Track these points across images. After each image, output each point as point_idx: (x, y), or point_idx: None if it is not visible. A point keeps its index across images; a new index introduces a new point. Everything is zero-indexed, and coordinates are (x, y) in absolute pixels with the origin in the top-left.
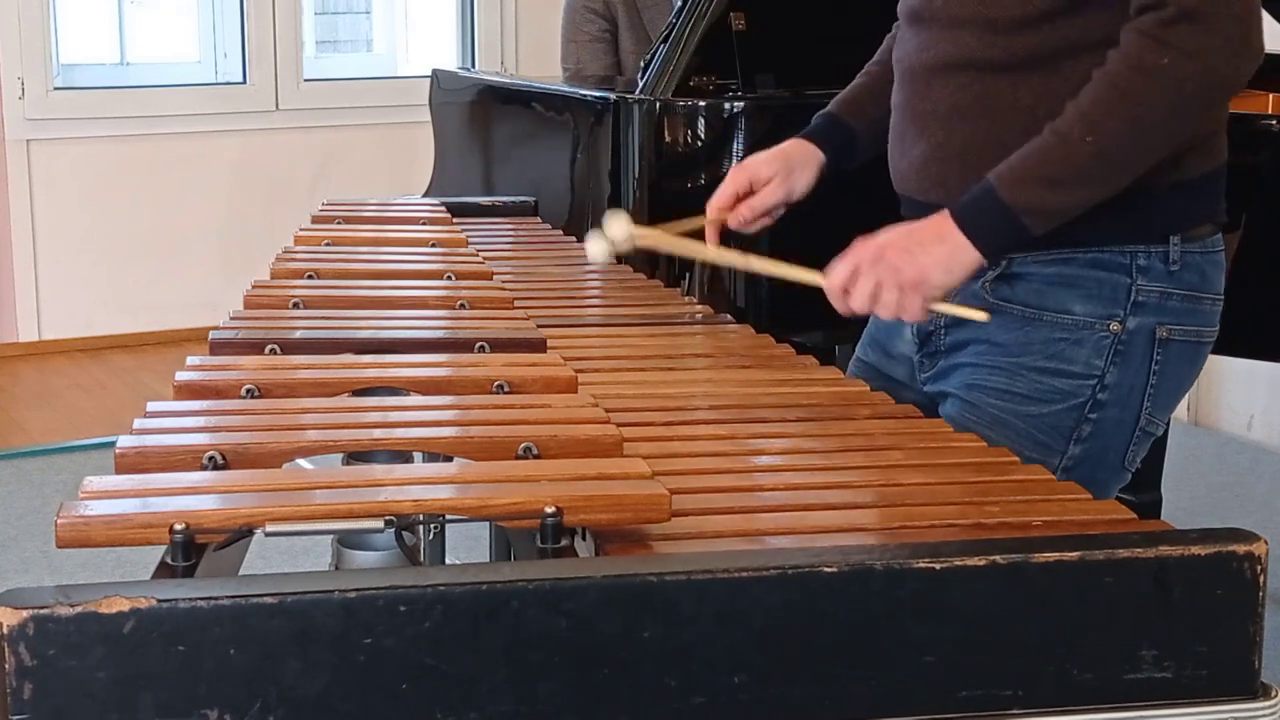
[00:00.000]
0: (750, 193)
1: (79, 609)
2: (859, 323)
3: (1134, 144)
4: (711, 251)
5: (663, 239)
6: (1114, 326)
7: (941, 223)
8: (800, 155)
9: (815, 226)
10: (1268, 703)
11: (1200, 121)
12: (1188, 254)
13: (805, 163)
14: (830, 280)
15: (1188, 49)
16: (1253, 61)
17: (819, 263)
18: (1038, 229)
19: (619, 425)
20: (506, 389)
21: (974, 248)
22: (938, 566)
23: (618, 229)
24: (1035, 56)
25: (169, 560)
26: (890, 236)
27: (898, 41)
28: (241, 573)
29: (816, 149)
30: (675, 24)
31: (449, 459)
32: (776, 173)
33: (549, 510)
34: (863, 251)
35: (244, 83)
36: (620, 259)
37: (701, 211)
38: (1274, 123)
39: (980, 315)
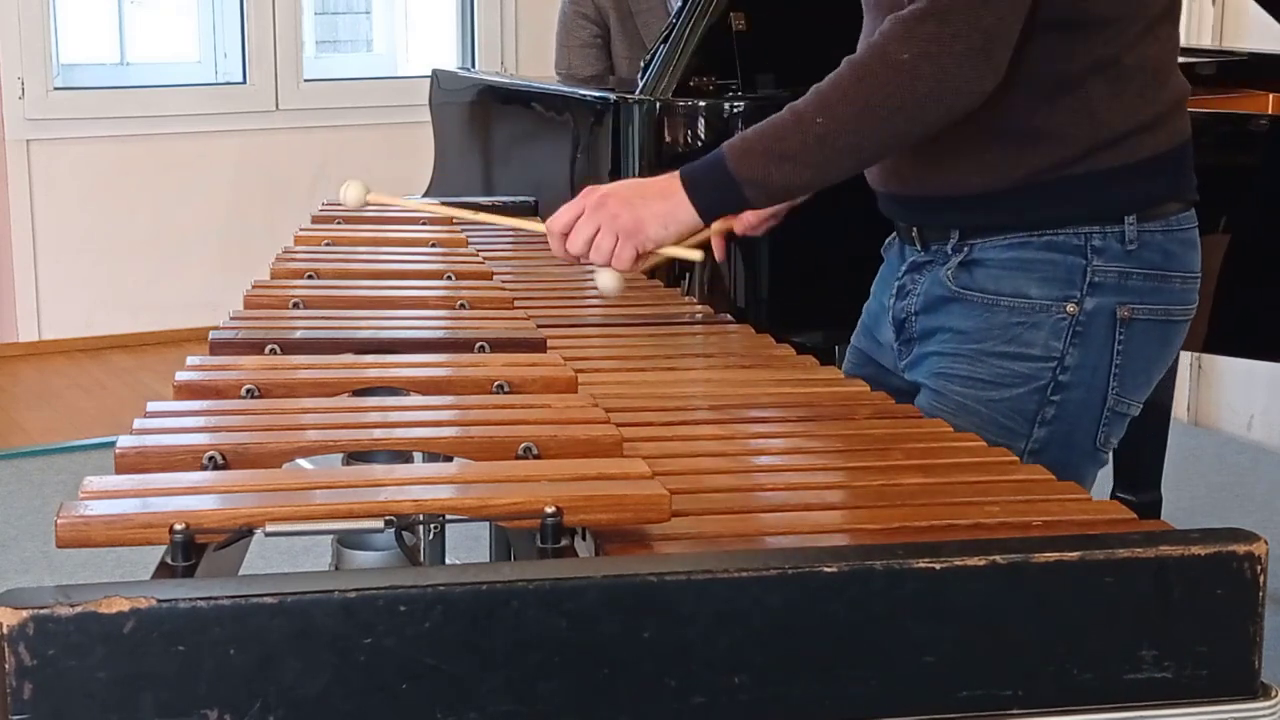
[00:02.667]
0: None
1: (79, 609)
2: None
3: (858, 132)
4: (427, 206)
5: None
6: (1070, 308)
7: (669, 180)
8: None
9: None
10: (1268, 703)
11: (934, 125)
12: (1146, 233)
13: None
14: (553, 222)
15: (929, 50)
16: (990, 78)
17: (820, 257)
18: (759, 201)
19: (619, 425)
20: (506, 389)
21: (693, 208)
22: (938, 566)
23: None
24: None
25: (169, 560)
26: (617, 186)
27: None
28: (241, 573)
29: None
30: (675, 24)
31: (449, 459)
32: None
33: (549, 510)
34: (588, 197)
35: (244, 83)
36: None
37: None
38: (1265, 123)
39: (694, 255)
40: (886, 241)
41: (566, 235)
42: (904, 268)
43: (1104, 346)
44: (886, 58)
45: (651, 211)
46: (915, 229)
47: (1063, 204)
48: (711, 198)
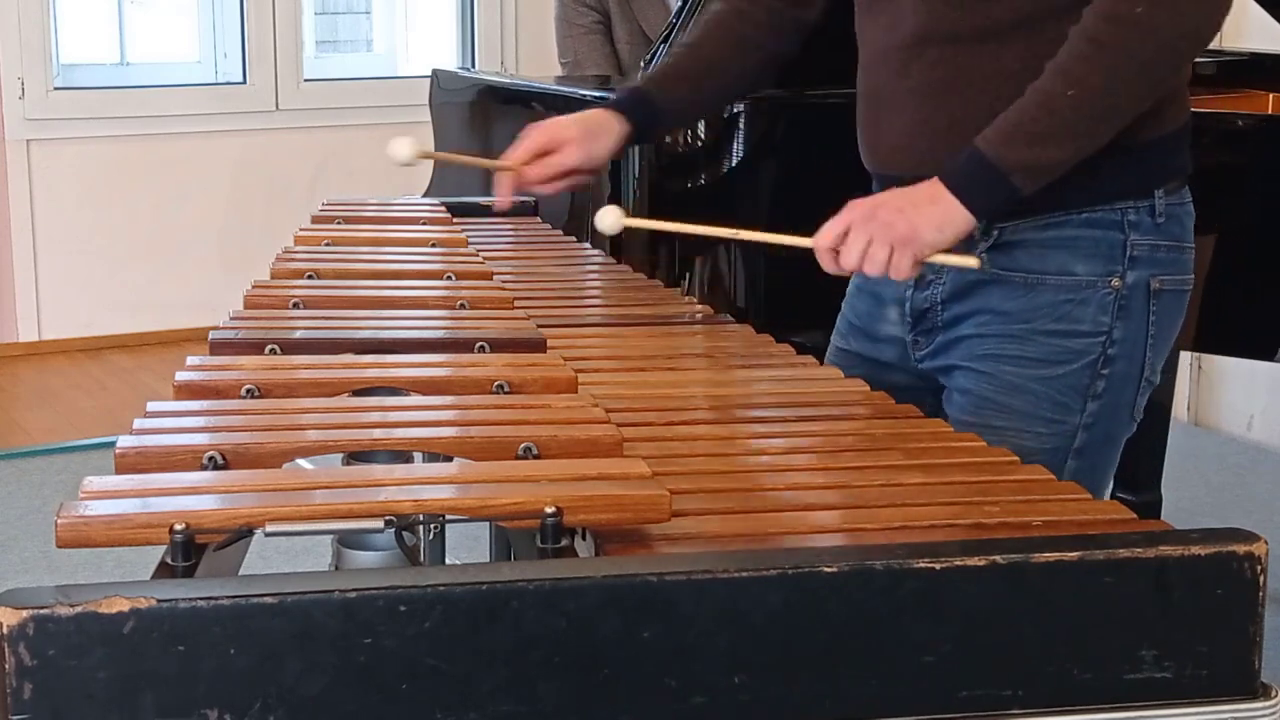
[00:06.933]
0: (549, 152)
1: (79, 609)
2: None
3: (1114, 94)
4: (700, 225)
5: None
6: (1115, 282)
7: (934, 186)
8: (602, 122)
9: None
10: (1268, 703)
11: (1178, 70)
12: (1170, 206)
13: (606, 130)
14: (820, 238)
15: None
16: (1224, 8)
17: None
18: (1028, 187)
19: (619, 425)
20: (506, 389)
21: (966, 209)
22: (938, 566)
23: (609, 220)
24: (1016, 21)
25: (169, 560)
26: (884, 196)
27: (858, 27)
28: (241, 573)
29: (620, 119)
30: (675, 24)
31: (449, 459)
32: (576, 136)
33: (549, 510)
34: (855, 210)
35: (244, 83)
36: (619, 258)
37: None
38: (1264, 123)
39: (972, 262)
40: None
41: (836, 250)
42: None
43: (1142, 318)
44: (1118, 16)
45: (924, 217)
46: None
47: (1099, 180)
48: (981, 194)
